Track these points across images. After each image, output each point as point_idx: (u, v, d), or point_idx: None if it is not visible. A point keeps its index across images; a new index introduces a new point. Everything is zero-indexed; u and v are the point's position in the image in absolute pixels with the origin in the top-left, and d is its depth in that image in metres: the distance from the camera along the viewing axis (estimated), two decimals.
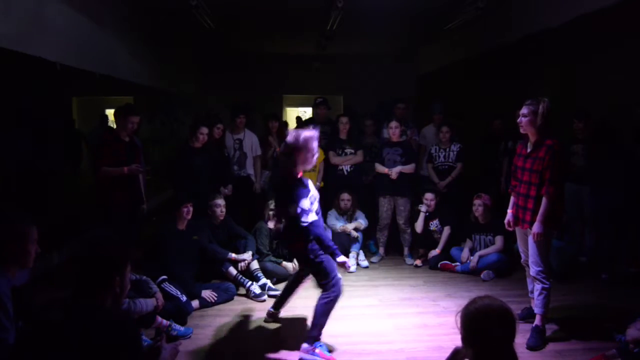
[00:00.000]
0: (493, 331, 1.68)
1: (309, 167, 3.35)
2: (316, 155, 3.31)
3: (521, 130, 3.36)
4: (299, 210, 3.17)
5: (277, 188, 3.55)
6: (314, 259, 3.27)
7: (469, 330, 1.72)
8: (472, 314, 1.72)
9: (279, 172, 3.55)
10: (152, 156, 9.42)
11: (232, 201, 5.39)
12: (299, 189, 3.22)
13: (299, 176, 3.30)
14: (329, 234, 5.18)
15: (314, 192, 3.34)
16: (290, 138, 3.27)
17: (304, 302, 4.24)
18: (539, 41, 5.87)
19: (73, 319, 1.70)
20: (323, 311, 3.26)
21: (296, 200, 3.17)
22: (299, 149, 3.20)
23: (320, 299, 3.29)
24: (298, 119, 10.63)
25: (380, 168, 5.37)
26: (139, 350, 1.79)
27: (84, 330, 1.66)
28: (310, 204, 3.25)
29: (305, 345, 3.21)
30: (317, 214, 3.36)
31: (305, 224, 3.21)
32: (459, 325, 1.76)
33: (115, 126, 4.55)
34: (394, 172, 5.25)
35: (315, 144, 3.27)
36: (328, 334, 3.56)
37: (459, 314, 1.76)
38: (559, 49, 6.07)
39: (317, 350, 3.18)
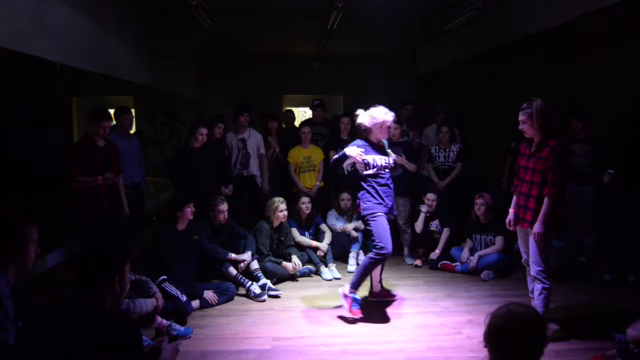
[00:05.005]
0: (512, 338, 1.57)
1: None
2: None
3: (526, 136, 3.38)
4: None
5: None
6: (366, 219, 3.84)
7: (490, 332, 1.63)
8: (499, 314, 1.62)
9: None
10: (152, 156, 9.47)
11: (235, 201, 5.38)
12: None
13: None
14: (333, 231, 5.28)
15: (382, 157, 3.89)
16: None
17: (304, 302, 4.26)
18: (539, 41, 5.87)
19: (73, 319, 1.70)
20: (364, 269, 3.83)
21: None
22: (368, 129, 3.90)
23: (367, 256, 3.89)
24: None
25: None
26: (140, 351, 1.79)
27: (84, 330, 1.66)
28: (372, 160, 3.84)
29: (346, 287, 3.84)
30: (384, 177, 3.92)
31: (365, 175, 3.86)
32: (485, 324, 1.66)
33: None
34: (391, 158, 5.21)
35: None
36: (328, 334, 3.58)
37: (489, 315, 1.67)
38: (559, 49, 6.06)
39: (348, 298, 3.80)
